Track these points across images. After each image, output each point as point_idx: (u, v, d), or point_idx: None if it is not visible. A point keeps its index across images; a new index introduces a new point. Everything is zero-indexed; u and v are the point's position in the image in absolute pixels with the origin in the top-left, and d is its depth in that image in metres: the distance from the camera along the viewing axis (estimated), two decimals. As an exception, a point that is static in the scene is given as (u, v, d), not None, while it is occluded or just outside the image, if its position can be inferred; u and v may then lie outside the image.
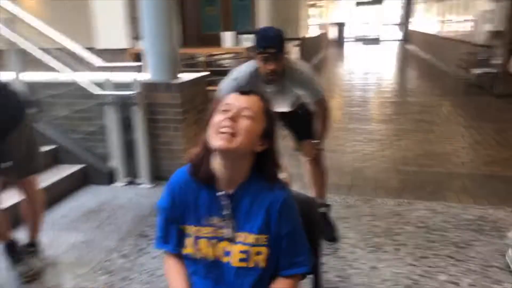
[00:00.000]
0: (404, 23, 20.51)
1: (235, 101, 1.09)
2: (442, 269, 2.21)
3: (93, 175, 3.46)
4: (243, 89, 1.15)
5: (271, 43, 2.07)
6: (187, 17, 10.75)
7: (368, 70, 11.59)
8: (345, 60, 14.91)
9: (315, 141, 2.45)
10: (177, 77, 3.38)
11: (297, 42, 9.07)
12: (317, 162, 2.54)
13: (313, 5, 12.91)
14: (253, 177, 1.13)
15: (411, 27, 17.88)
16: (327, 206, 2.62)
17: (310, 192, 2.60)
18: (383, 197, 3.14)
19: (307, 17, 11.37)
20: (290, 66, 2.22)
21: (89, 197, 3.24)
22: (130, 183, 3.44)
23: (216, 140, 1.04)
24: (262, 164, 1.13)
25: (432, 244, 2.46)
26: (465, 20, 8.83)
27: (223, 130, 1.03)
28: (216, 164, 1.10)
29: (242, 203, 1.13)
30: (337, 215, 2.77)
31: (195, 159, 1.13)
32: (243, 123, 1.05)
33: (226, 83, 2.25)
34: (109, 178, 3.44)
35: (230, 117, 1.04)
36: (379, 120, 5.68)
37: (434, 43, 12.25)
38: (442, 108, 6.26)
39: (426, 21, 14.01)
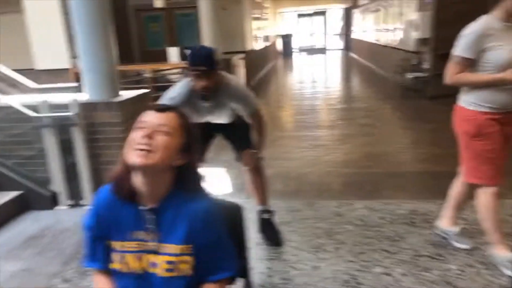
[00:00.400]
0: (346, 32, 21.48)
1: (151, 118, 1.13)
2: (377, 262, 2.36)
3: (34, 200, 3.34)
4: (168, 106, 1.20)
5: (202, 61, 2.16)
6: (131, 33, 10.66)
7: (315, 79, 12.04)
8: (293, 71, 15.34)
9: (253, 150, 2.55)
10: (118, 95, 3.37)
11: (242, 55, 9.25)
12: (257, 170, 2.63)
13: (258, 18, 13.22)
14: (176, 190, 1.18)
15: (353, 36, 18.76)
16: (271, 212, 2.71)
17: (253, 200, 2.70)
18: (327, 200, 3.29)
19: (252, 30, 11.63)
20: (224, 82, 2.32)
21: (29, 223, 3.13)
22: (74, 205, 3.36)
23: (132, 157, 1.08)
24: (183, 177, 1.19)
25: (369, 240, 2.62)
26: (398, 29, 9.45)
27: (139, 147, 1.07)
28: (137, 180, 1.14)
29: (165, 216, 1.17)
30: (282, 220, 2.87)
31: (116, 177, 1.16)
32: (159, 140, 1.10)
33: (165, 101, 2.29)
34: (51, 202, 3.34)
35: (146, 134, 1.09)
36: (324, 126, 5.93)
37: (373, 51, 12.95)
38: (382, 112, 6.65)
39: (365, 31, 14.78)
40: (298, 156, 4.49)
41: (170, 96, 2.33)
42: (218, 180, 3.79)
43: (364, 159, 4.29)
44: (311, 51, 22.02)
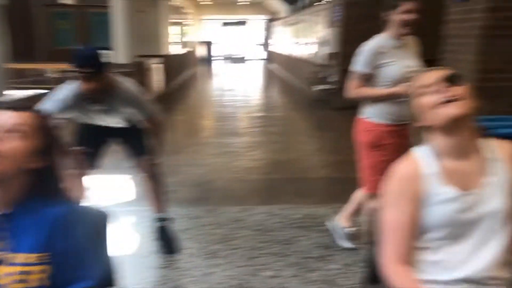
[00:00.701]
0: (266, 43, 22.16)
1: (3, 117, 1.05)
2: (268, 266, 2.44)
3: None
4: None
5: (87, 62, 2.07)
6: (36, 30, 9.86)
7: (235, 87, 12.20)
8: (214, 78, 15.39)
9: (150, 157, 2.49)
10: (2, 95, 3.08)
11: (158, 60, 9.05)
12: (153, 177, 2.57)
13: (178, 23, 13.06)
14: (34, 194, 1.11)
15: (273, 47, 19.42)
16: (167, 219, 2.67)
17: (150, 207, 2.63)
18: (229, 206, 3.33)
19: (171, 34, 11.46)
20: (114, 85, 2.24)
21: None
22: None
23: None
24: (41, 181, 1.12)
25: (263, 244, 2.70)
26: (311, 43, 10.00)
27: None
28: None
29: (20, 223, 1.09)
30: (180, 227, 2.83)
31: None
32: (8, 145, 1.01)
33: (49, 104, 2.14)
34: None
35: None
36: (237, 134, 6.01)
37: (290, 62, 13.53)
38: (292, 121, 6.96)
39: (283, 43, 15.39)
40: (207, 163, 4.50)
41: (54, 98, 2.18)
42: (117, 187, 3.64)
43: (269, 165, 4.43)
44: (234, 59, 22.33)
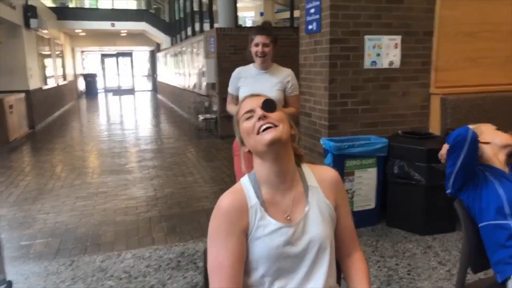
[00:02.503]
0: (152, 74, 21.77)
1: None
2: (129, 319, 2.21)
3: None
4: None
5: None
6: None
7: (120, 120, 11.56)
8: (98, 111, 14.40)
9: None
10: None
11: (21, 95, 8.13)
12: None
13: (48, 56, 12.02)
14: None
15: (159, 78, 19.12)
16: (5, 283, 2.27)
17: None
18: (93, 254, 3.00)
19: (39, 67, 10.45)
20: None
21: None
22: None
23: None
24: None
25: (127, 294, 2.46)
26: (192, 74, 10.05)
27: None
28: None
29: None
30: (29, 289, 2.44)
31: None
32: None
33: None
34: None
35: None
36: (113, 172, 5.59)
37: (175, 93, 13.40)
38: (175, 153, 6.76)
39: (168, 73, 15.24)
40: (71, 208, 4.05)
41: None
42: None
43: (143, 203, 4.17)
44: (118, 92, 21.37)
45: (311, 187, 1.17)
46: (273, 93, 2.77)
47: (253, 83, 2.81)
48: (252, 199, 1.12)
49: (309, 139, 3.88)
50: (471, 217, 1.63)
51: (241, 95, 2.77)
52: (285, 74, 2.88)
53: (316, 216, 1.14)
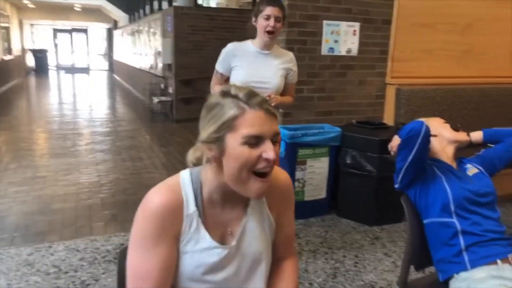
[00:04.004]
0: (109, 53, 20.79)
1: None
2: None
3: None
4: None
5: None
6: None
7: (72, 100, 10.91)
8: (49, 90, 13.51)
9: None
10: None
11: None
12: None
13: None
14: None
15: (115, 57, 18.27)
16: None
17: None
18: (20, 246, 2.73)
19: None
20: None
21: None
22: None
23: None
24: None
25: (54, 291, 2.24)
26: (149, 54, 9.60)
27: None
28: None
29: None
30: None
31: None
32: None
33: None
34: None
35: None
36: (58, 155, 5.20)
37: (131, 73, 12.83)
38: (127, 136, 6.42)
39: (124, 53, 14.56)
40: (2, 194, 3.69)
41: None
42: None
43: (85, 190, 3.88)
44: (72, 70, 20.25)
45: (258, 201, 1.01)
46: (277, 79, 2.34)
47: (252, 64, 2.32)
48: (190, 207, 0.92)
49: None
50: (417, 213, 1.55)
51: (236, 78, 2.29)
52: (289, 57, 2.44)
53: (253, 233, 0.99)
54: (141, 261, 0.88)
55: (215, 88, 2.44)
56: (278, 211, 1.04)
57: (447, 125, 1.72)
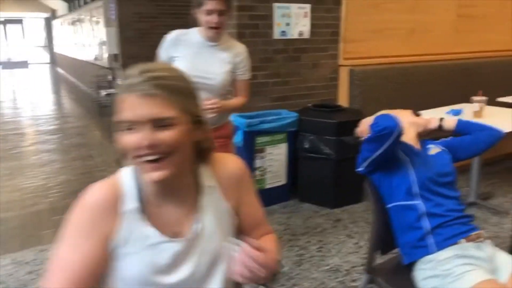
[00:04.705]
0: (49, 45, 19.54)
1: None
2: None
3: None
4: None
5: None
6: None
7: (12, 97, 10.13)
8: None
9: None
10: None
11: None
12: None
13: None
14: None
15: (57, 49, 17.20)
16: None
17: None
18: (-41, 265, 2.48)
19: None
20: None
21: None
22: None
23: None
24: None
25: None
26: (93, 44, 9.09)
27: None
28: None
29: None
30: None
31: None
32: None
33: None
34: None
35: None
36: (-3, 158, 4.80)
37: (75, 66, 12.14)
38: (74, 133, 6.06)
39: (66, 44, 13.72)
40: None
41: None
42: None
43: (31, 195, 3.60)
44: (8, 64, 18.82)
45: (208, 187, 0.94)
46: (222, 75, 2.07)
47: (196, 57, 2.05)
48: (130, 202, 0.86)
49: (218, 115, 3.63)
50: (380, 197, 1.54)
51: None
52: (238, 50, 2.14)
53: (210, 228, 0.92)
54: (65, 253, 0.84)
55: None
56: (237, 199, 0.99)
57: (407, 111, 1.73)
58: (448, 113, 3.12)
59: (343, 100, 3.68)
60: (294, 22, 3.34)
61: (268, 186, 3.23)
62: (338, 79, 3.68)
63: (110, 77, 7.72)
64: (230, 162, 1.01)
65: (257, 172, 3.15)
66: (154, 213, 0.88)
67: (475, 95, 2.99)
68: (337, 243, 2.68)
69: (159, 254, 0.86)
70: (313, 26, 3.42)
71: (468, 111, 3.03)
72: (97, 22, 8.29)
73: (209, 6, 1.95)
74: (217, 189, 0.95)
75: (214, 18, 1.96)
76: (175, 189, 0.89)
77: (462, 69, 4.14)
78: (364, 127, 1.50)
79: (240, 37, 3.15)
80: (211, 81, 2.03)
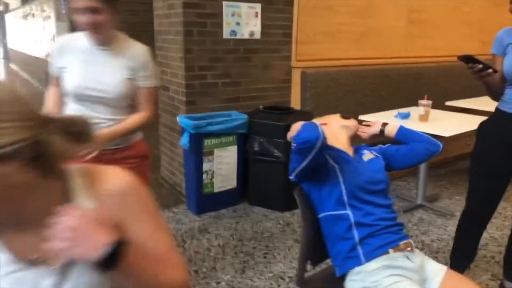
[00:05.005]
0: (2, 39, 18.53)
1: None
2: None
3: None
4: None
5: None
6: None
7: None
8: None
9: None
10: None
11: None
12: None
13: None
14: None
15: (10, 44, 16.31)
16: None
17: None
18: None
19: None
20: None
21: None
22: None
23: None
24: None
25: None
26: (44, 39, 8.65)
27: None
28: None
29: None
30: None
31: None
32: None
33: None
34: None
35: None
36: None
37: (29, 62, 11.54)
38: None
39: (19, 39, 13.03)
40: None
41: None
42: None
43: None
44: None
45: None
46: (117, 85, 1.69)
47: (85, 65, 1.68)
48: None
49: (168, 116, 3.50)
50: (311, 207, 1.48)
51: (67, 84, 1.69)
52: (136, 51, 1.73)
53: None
54: None
55: (48, 102, 1.78)
56: (122, 224, 0.74)
57: (337, 115, 1.68)
58: (396, 116, 3.15)
59: (295, 102, 3.64)
60: (244, 22, 3.26)
61: (217, 190, 3.14)
62: (291, 81, 3.64)
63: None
64: (112, 177, 0.80)
65: (205, 176, 3.05)
66: (10, 239, 0.73)
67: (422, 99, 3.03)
68: (283, 248, 2.62)
69: (15, 284, 0.72)
70: (264, 26, 3.36)
71: (415, 115, 3.06)
72: (48, 17, 7.89)
73: (76, 3, 1.57)
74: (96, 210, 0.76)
75: (88, 18, 1.56)
76: (24, 220, 0.72)
77: (412, 73, 4.22)
78: (293, 133, 1.43)
79: (187, 35, 3.04)
80: (105, 94, 1.68)
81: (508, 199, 3.27)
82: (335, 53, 3.76)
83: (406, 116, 3.09)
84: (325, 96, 3.62)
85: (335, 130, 1.63)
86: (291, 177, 1.50)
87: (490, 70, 1.69)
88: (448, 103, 4.02)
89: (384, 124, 1.70)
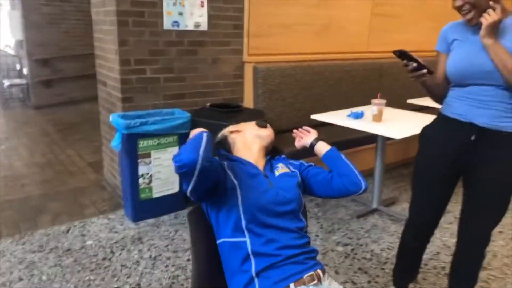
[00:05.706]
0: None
1: None
2: None
3: None
4: None
5: None
6: None
7: None
8: None
9: None
10: None
11: None
12: None
13: None
14: None
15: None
16: None
17: None
18: None
19: None
20: None
21: None
22: None
23: None
24: None
25: None
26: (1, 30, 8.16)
27: None
28: None
29: None
30: None
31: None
32: None
33: None
34: None
35: None
36: None
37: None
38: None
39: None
40: None
41: None
42: None
43: None
44: None
45: None
46: None
47: None
48: None
49: (107, 114, 3.22)
50: (209, 230, 1.25)
51: None
52: None
53: None
54: None
55: None
56: None
57: (253, 122, 1.46)
58: (349, 116, 2.94)
59: (248, 99, 3.41)
60: (188, 12, 2.99)
61: (156, 195, 2.89)
62: (243, 77, 3.40)
63: (18, 66, 6.95)
64: None
65: (142, 180, 2.80)
66: None
67: (375, 97, 2.83)
68: (220, 260, 2.40)
69: None
70: (211, 17, 3.10)
71: (369, 114, 2.86)
72: (1, 5, 7.43)
73: None
74: None
75: None
76: None
77: (375, 69, 4.02)
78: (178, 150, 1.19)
79: (122, 25, 2.76)
80: None
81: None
82: (292, 47, 3.53)
83: (359, 115, 2.89)
84: (279, 93, 3.39)
85: (248, 139, 1.42)
86: (188, 196, 1.26)
87: (425, 71, 1.48)
88: (410, 101, 3.85)
89: (318, 139, 1.47)
